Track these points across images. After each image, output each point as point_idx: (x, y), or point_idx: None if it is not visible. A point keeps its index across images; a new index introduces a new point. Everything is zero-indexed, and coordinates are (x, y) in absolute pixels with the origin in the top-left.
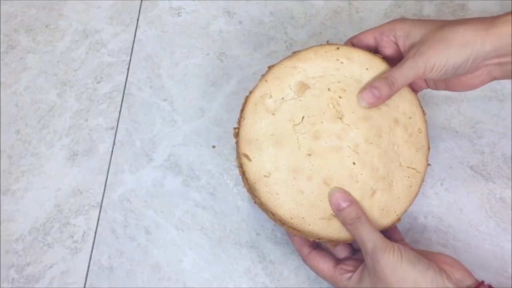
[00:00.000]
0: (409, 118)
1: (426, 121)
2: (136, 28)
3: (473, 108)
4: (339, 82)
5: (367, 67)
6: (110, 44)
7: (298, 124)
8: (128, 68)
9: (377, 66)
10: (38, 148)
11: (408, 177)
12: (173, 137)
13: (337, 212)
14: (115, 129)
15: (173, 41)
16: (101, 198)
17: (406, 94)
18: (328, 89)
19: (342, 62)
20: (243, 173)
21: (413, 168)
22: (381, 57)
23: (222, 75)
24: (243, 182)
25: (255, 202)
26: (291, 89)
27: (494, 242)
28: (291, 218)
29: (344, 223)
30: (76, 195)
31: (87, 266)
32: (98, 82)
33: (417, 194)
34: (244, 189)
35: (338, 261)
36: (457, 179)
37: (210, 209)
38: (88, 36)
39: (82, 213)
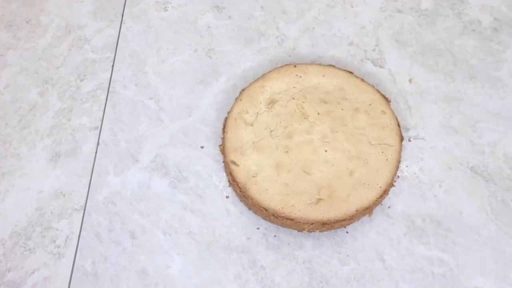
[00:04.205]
0: (369, 104)
1: (389, 103)
2: (121, 24)
3: (473, 106)
4: (300, 91)
5: (323, 74)
6: (94, 40)
7: (273, 130)
8: (112, 65)
9: (331, 72)
10: (18, 149)
11: (382, 152)
12: (160, 137)
13: None
14: (99, 129)
15: (160, 37)
16: (84, 201)
17: (363, 87)
18: (293, 98)
19: (300, 76)
20: (233, 180)
21: (385, 144)
22: (333, 66)
23: (210, 72)
24: (234, 188)
25: (246, 204)
26: (262, 105)
27: (496, 246)
28: (282, 208)
29: None
30: (58, 198)
31: (70, 272)
32: (82, 80)
33: (397, 166)
34: (234, 192)
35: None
36: (457, 181)
37: (198, 212)
38: (70, 32)
39: (65, 216)
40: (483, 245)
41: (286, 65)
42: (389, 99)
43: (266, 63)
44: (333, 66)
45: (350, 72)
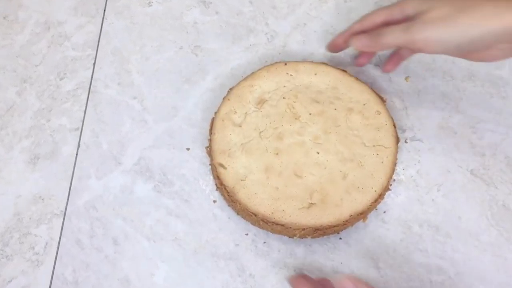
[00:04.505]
0: (364, 104)
1: (384, 103)
2: (102, 20)
3: (473, 106)
4: (291, 90)
5: (315, 73)
6: (75, 37)
7: (263, 131)
8: (94, 63)
9: (323, 70)
10: None
11: (377, 154)
12: (144, 138)
13: None
14: (80, 130)
15: (144, 33)
16: (64, 206)
17: (356, 86)
18: (283, 98)
19: (291, 75)
20: (220, 183)
21: (380, 145)
22: (325, 63)
23: (197, 70)
24: (221, 192)
25: (234, 209)
26: (251, 105)
27: (497, 253)
28: (272, 213)
29: None
30: (37, 203)
31: (49, 280)
32: (61, 79)
33: (392, 168)
34: (222, 196)
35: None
36: (456, 184)
37: (184, 218)
38: (50, 29)
39: (44, 222)
40: (483, 252)
41: (276, 63)
42: (384, 98)
43: (255, 61)
44: (326, 64)
45: (344, 71)
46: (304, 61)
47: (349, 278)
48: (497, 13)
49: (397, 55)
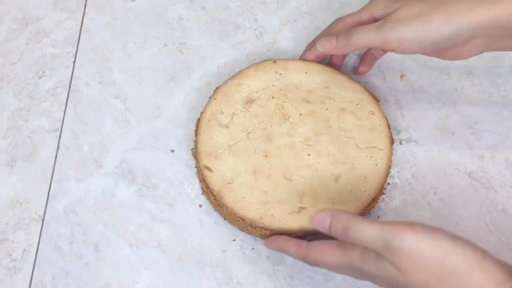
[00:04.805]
0: (357, 104)
1: (378, 103)
2: (83, 15)
3: (471, 105)
4: (280, 89)
5: (305, 71)
6: (54, 33)
7: (251, 132)
8: (74, 61)
9: (314, 68)
10: None
11: (371, 156)
12: (126, 140)
13: (329, 233)
14: (59, 131)
15: (126, 29)
16: (43, 210)
17: (349, 85)
18: (272, 97)
19: (280, 73)
20: (206, 187)
21: (374, 147)
22: (316, 63)
23: (182, 68)
24: (207, 196)
25: (221, 214)
26: (239, 104)
27: None
28: (261, 218)
29: (341, 239)
30: (14, 207)
31: None
32: (40, 77)
33: (387, 171)
34: (208, 200)
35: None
36: (453, 188)
37: (168, 223)
38: (28, 25)
39: (21, 227)
40: None
41: (265, 60)
42: (378, 98)
43: (243, 58)
44: (317, 62)
45: (336, 69)
46: (294, 59)
47: (323, 209)
48: (471, 8)
49: (369, 55)
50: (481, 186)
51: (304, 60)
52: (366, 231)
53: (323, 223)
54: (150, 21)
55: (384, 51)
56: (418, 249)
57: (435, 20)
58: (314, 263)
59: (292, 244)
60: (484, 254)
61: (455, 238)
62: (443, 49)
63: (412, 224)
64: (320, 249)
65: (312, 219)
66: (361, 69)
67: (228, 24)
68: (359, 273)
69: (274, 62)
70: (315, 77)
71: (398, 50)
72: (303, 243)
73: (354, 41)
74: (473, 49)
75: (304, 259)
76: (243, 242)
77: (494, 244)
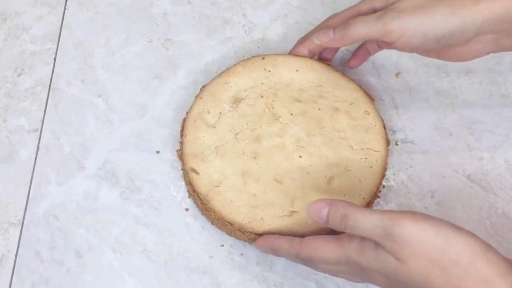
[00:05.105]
0: (351, 104)
1: (373, 102)
2: (64, 10)
3: (470, 105)
4: (270, 88)
5: (296, 69)
6: (33, 29)
7: (239, 133)
8: (54, 58)
9: (306, 65)
10: None
11: (365, 158)
12: (109, 140)
13: (327, 224)
14: (39, 131)
15: (109, 25)
16: (22, 214)
17: (343, 83)
18: (261, 96)
19: (269, 71)
20: (193, 190)
21: (368, 149)
22: (308, 58)
23: (167, 66)
24: (194, 199)
25: (208, 218)
26: (226, 104)
27: None
28: (250, 222)
29: (339, 229)
30: None
31: None
32: (19, 75)
33: (382, 174)
34: (195, 204)
35: (334, 233)
36: (451, 191)
37: (153, 227)
38: (6, 20)
39: (0, 232)
40: None
41: (253, 57)
42: (373, 97)
43: (231, 55)
44: (309, 57)
45: (328, 64)
46: (284, 54)
47: (320, 199)
48: (476, 2)
49: (363, 50)
50: (481, 189)
51: (295, 55)
52: (366, 219)
53: (320, 213)
54: (134, 16)
55: (381, 46)
56: (420, 237)
57: (440, 12)
58: (308, 260)
59: (285, 241)
60: (487, 245)
61: (458, 227)
62: (446, 47)
63: (413, 213)
64: (314, 244)
65: (309, 209)
66: (352, 62)
67: (215, 19)
68: (356, 269)
69: (263, 58)
70: (307, 74)
71: (398, 43)
72: (296, 239)
73: (352, 32)
74: (478, 48)
75: (298, 256)
76: (231, 248)
77: None
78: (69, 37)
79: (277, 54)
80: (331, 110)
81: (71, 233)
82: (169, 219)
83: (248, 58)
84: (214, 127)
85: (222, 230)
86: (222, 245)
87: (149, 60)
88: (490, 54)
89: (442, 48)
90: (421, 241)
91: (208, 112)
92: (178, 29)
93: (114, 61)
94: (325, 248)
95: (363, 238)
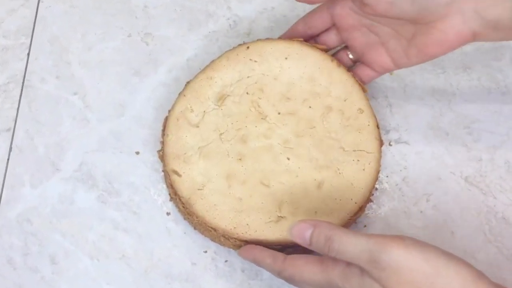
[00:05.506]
0: (344, 100)
1: (367, 99)
2: (38, 3)
3: (468, 103)
4: (255, 83)
5: (285, 56)
6: (5, 23)
7: (224, 132)
8: (28, 54)
9: (296, 52)
10: None
11: (358, 160)
12: (86, 140)
13: (310, 247)
14: (11, 131)
15: (86, 18)
16: None
17: (337, 75)
18: (247, 93)
19: (255, 61)
20: (174, 193)
21: (361, 150)
22: (300, 41)
23: (148, 61)
24: (176, 203)
25: (190, 223)
26: (211, 101)
27: (496, 274)
28: (235, 228)
29: (323, 253)
30: None
31: None
32: None
33: (375, 176)
34: (176, 208)
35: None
36: (448, 194)
37: (133, 232)
38: None
39: None
40: None
41: (239, 45)
42: (365, 88)
43: (215, 50)
44: (300, 41)
45: (324, 50)
46: (272, 38)
47: (304, 220)
48: None
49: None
50: (479, 192)
51: (285, 39)
52: (351, 243)
53: (303, 235)
54: (112, 9)
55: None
56: (408, 264)
57: None
58: (290, 279)
59: (268, 255)
60: (479, 273)
61: (448, 255)
62: (425, 24)
63: (402, 238)
64: (298, 264)
65: (291, 231)
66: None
67: (198, 12)
68: None
69: (247, 47)
70: (298, 63)
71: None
72: (280, 256)
73: None
74: (459, 23)
75: (280, 274)
76: (215, 254)
77: (494, 256)
78: (43, 31)
79: (264, 41)
80: (323, 108)
81: (45, 238)
82: (150, 223)
83: (232, 49)
84: (198, 127)
85: (205, 236)
86: (206, 252)
87: (128, 55)
88: (489, 48)
89: (422, 27)
90: (410, 269)
91: (192, 111)
92: (158, 22)
93: (91, 56)
94: (308, 270)
95: (348, 263)
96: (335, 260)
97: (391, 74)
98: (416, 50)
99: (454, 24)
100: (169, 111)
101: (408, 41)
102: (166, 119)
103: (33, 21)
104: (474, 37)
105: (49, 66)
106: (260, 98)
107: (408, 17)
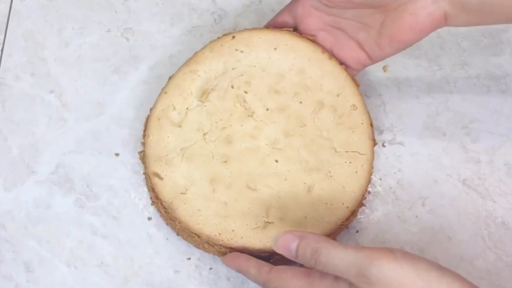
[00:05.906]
0: (337, 96)
1: (361, 94)
2: None
3: (466, 101)
4: (242, 75)
5: (274, 46)
6: None
7: (208, 132)
8: (1, 50)
9: (286, 42)
10: None
11: (350, 162)
12: (63, 141)
13: (296, 259)
14: None
15: (62, 13)
16: None
17: (329, 68)
18: (232, 87)
19: (242, 51)
20: (156, 197)
21: (354, 151)
22: (289, 30)
23: (128, 58)
24: (157, 208)
25: (173, 228)
26: (194, 97)
27: (495, 282)
28: (220, 234)
29: (310, 266)
30: None
31: None
32: None
33: (368, 179)
34: (158, 213)
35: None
36: (444, 198)
37: (112, 238)
38: None
39: None
40: (479, 280)
41: (224, 35)
42: (358, 82)
43: (199, 46)
44: (290, 31)
45: (315, 42)
46: (259, 28)
47: (290, 231)
48: None
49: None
50: (478, 195)
51: (273, 28)
52: (339, 256)
53: (288, 247)
54: (91, 2)
55: None
56: (399, 279)
57: None
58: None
59: (253, 265)
60: None
61: (441, 268)
62: (393, 4)
63: (391, 251)
64: (284, 277)
65: (277, 242)
66: None
67: (181, 6)
68: None
69: (233, 37)
70: (287, 55)
71: None
72: (265, 266)
73: None
74: (430, 3)
75: (265, 285)
76: (199, 261)
77: (493, 263)
78: (17, 26)
79: (251, 30)
80: (314, 104)
81: (20, 245)
82: (130, 229)
83: (217, 39)
84: (180, 126)
85: (188, 242)
86: (189, 258)
87: (107, 52)
88: (488, 44)
89: (391, 13)
90: (401, 284)
91: (174, 109)
92: (139, 17)
93: (68, 53)
94: (294, 283)
95: (336, 277)
96: (322, 273)
97: (384, 71)
98: (388, 39)
99: (424, 5)
100: (151, 109)
101: (377, 31)
102: (147, 119)
103: (7, 16)
104: (446, 19)
105: (24, 63)
106: (246, 92)
107: (375, 2)
